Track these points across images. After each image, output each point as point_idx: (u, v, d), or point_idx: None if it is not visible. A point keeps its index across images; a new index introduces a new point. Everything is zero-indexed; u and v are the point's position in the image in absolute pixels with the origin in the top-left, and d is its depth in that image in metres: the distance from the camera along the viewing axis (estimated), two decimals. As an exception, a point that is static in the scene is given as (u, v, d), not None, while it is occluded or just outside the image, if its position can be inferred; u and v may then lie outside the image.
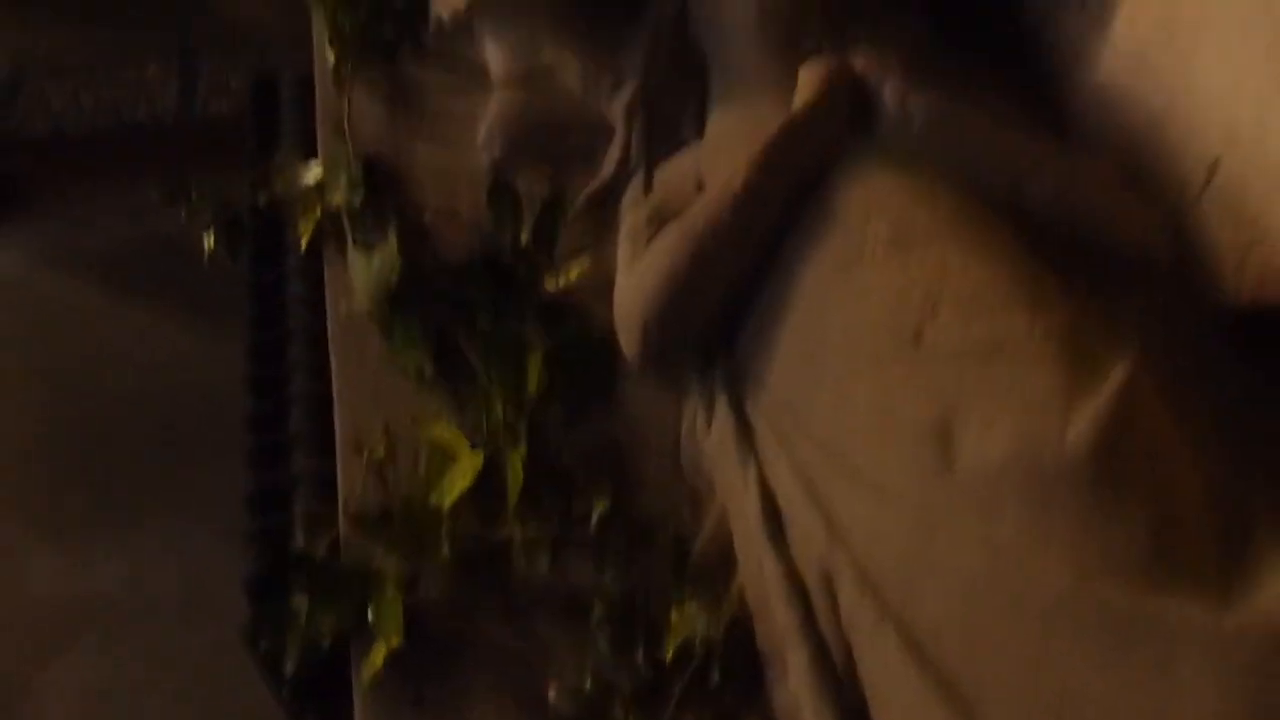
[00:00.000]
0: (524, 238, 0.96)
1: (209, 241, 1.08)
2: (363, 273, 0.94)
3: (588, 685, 0.75)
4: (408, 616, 0.78)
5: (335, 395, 0.91)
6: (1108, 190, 0.85)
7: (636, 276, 0.83)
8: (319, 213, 1.02)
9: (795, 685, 0.71)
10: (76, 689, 1.56)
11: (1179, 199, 1.00)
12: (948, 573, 0.64)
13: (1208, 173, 0.97)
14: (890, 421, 0.70)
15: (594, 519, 0.80)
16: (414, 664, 0.78)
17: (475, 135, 1.11)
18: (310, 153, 1.35)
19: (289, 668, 0.80)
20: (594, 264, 0.95)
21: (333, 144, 1.11)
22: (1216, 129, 0.96)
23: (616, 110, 1.05)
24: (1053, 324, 0.69)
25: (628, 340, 0.83)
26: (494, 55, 1.16)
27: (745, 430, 0.79)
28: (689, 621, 0.75)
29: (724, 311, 0.83)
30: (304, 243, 1.01)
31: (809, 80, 0.86)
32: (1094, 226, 0.83)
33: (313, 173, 1.06)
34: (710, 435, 0.82)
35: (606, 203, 1.03)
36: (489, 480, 0.82)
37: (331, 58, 1.20)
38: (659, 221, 0.86)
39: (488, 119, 1.10)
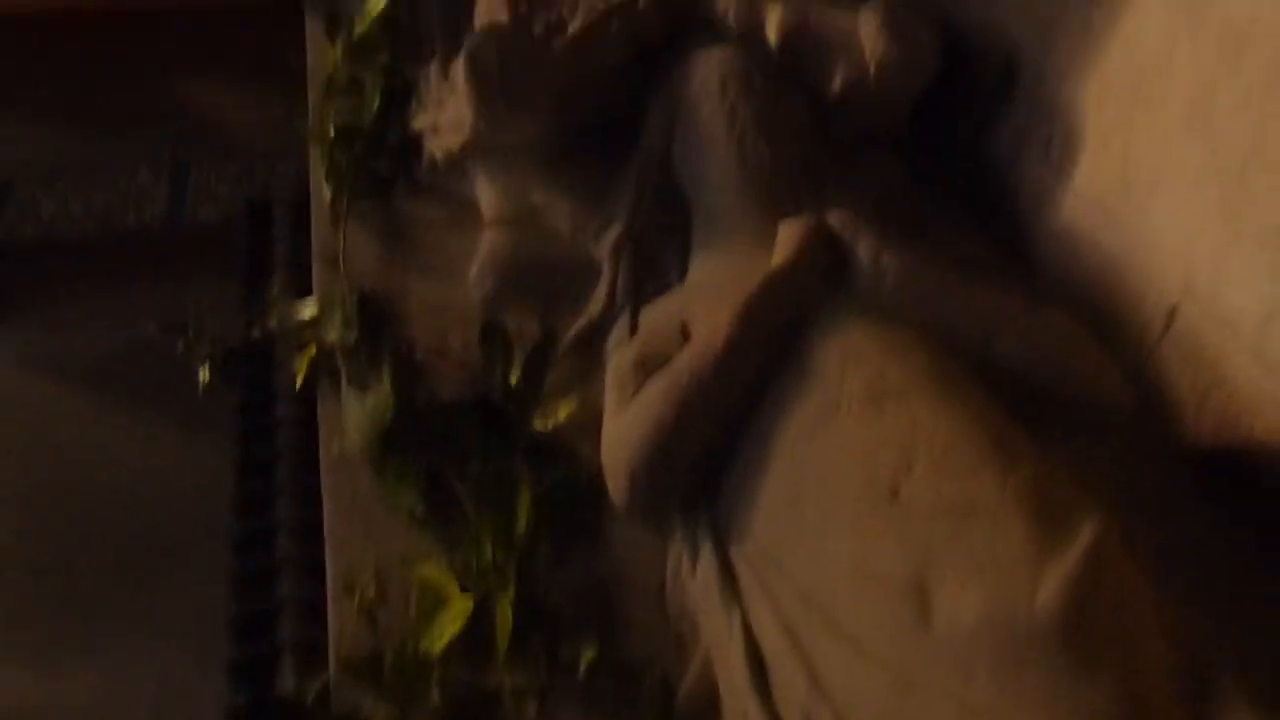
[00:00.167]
0: (514, 378, 0.99)
1: (204, 374, 1.10)
2: (356, 412, 0.97)
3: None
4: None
5: (326, 534, 0.93)
6: (1072, 344, 0.89)
7: (624, 426, 0.86)
8: (314, 350, 1.04)
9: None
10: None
11: (1139, 343, 1.04)
12: (924, 731, 0.66)
13: (1166, 319, 1.02)
14: (868, 576, 0.72)
15: (582, 666, 0.81)
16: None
17: (467, 271, 1.15)
18: (301, 278, 1.39)
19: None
20: (582, 404, 0.98)
21: (328, 279, 1.15)
22: (1174, 278, 1.01)
23: (604, 251, 1.10)
24: (1022, 482, 0.72)
25: (616, 488, 0.86)
26: (486, 195, 1.20)
27: (729, 577, 0.81)
28: (677, 766, 0.76)
29: (708, 459, 0.86)
30: (299, 381, 1.03)
31: (787, 237, 0.90)
32: (1060, 378, 0.87)
33: (308, 309, 1.08)
34: (695, 580, 0.84)
35: (593, 342, 1.07)
36: (479, 623, 0.84)
37: (328, 193, 1.24)
38: (645, 369, 0.89)
39: (479, 257, 1.14)
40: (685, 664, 0.84)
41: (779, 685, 0.76)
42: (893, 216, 1.11)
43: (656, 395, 0.85)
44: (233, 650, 1.17)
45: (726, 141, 1.05)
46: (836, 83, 1.13)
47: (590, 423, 0.96)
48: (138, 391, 1.98)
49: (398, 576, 0.88)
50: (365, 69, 1.33)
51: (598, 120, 1.15)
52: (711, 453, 0.86)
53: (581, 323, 1.07)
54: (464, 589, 0.85)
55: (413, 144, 1.27)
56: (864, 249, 0.88)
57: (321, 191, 1.26)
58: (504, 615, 0.82)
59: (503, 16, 1.17)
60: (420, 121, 1.25)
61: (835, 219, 0.90)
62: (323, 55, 1.36)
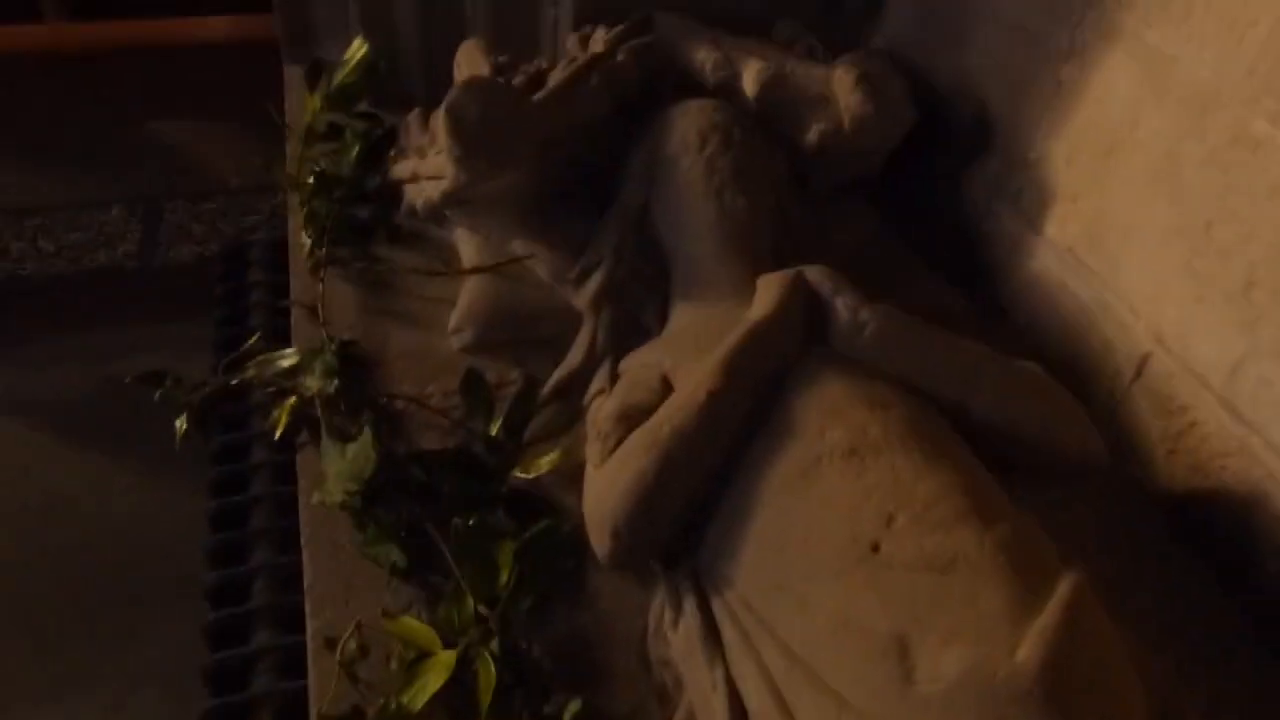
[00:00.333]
0: (495, 429, 1.00)
1: (181, 424, 1.10)
2: (336, 464, 0.96)
3: None
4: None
5: (306, 588, 0.92)
6: (1047, 398, 0.90)
7: (606, 479, 0.86)
8: (295, 400, 1.04)
9: None
10: None
11: (1112, 389, 1.07)
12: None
13: (1138, 366, 1.04)
14: (850, 631, 0.73)
15: (566, 720, 0.81)
16: None
17: (447, 320, 1.15)
18: (277, 320, 1.38)
19: None
20: (564, 454, 0.98)
21: (307, 328, 1.15)
22: (1145, 327, 1.04)
23: (584, 301, 1.11)
24: (1001, 537, 0.73)
25: (598, 542, 0.86)
26: (466, 244, 1.21)
27: (712, 630, 0.82)
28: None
29: (690, 511, 0.87)
30: (279, 432, 1.03)
31: (766, 291, 0.91)
32: (1036, 431, 0.89)
33: (288, 359, 1.08)
34: (678, 633, 0.84)
35: (574, 391, 1.08)
36: (461, 677, 0.83)
37: (306, 241, 1.24)
38: (626, 421, 0.89)
39: (459, 307, 1.15)
40: (669, 716, 0.84)
41: (762, 739, 0.76)
42: (867, 266, 1.13)
43: (638, 448, 0.85)
44: (209, 701, 1.16)
45: (705, 194, 1.07)
46: (813, 135, 1.15)
47: (572, 472, 0.97)
48: (109, 433, 1.95)
49: (379, 630, 0.87)
50: (345, 117, 1.34)
51: (578, 172, 1.16)
52: (693, 505, 0.87)
53: (562, 372, 1.08)
54: (446, 643, 0.85)
55: (392, 191, 1.28)
56: (842, 304, 0.90)
57: (300, 239, 1.26)
58: (486, 670, 0.82)
59: (483, 69, 1.19)
60: (400, 170, 1.26)
61: (814, 274, 0.91)
62: (301, 101, 1.36)
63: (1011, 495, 0.82)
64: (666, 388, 0.94)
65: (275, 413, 1.04)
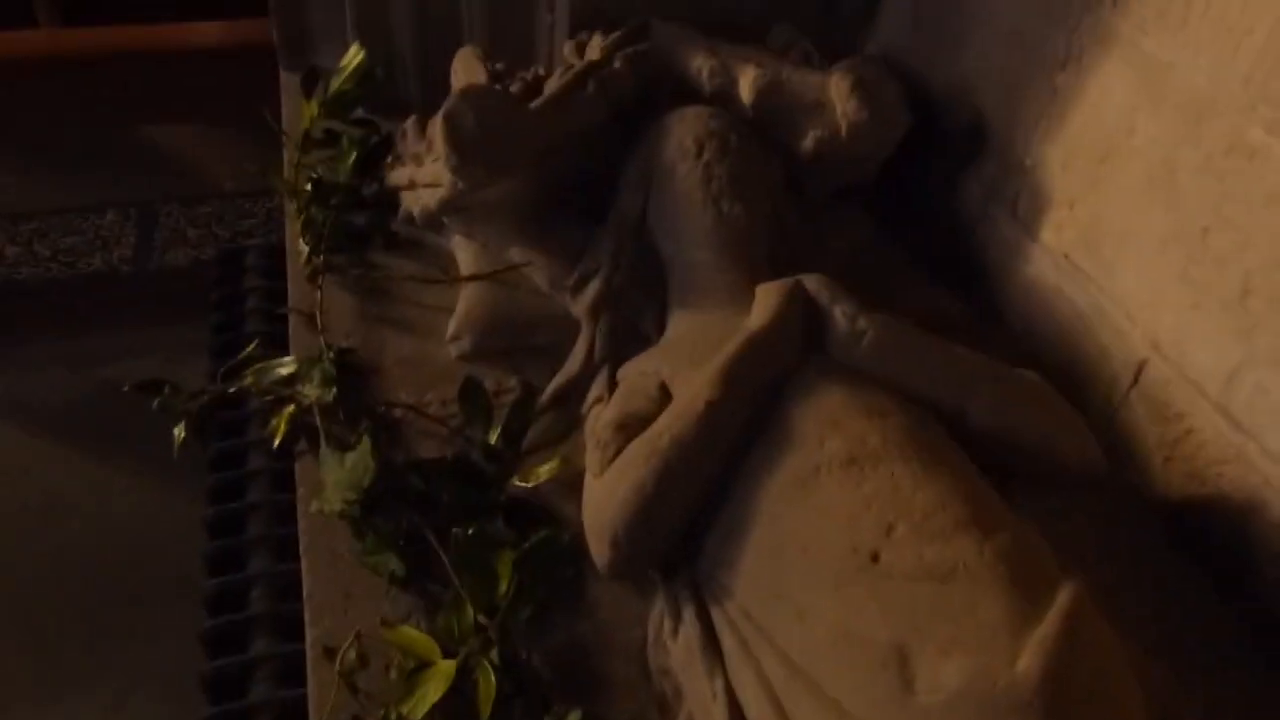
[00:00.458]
0: (494, 438, 1.00)
1: (180, 432, 1.10)
2: (335, 472, 0.96)
3: None
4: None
5: (305, 598, 0.92)
6: (1045, 406, 0.91)
7: (605, 489, 0.86)
8: (293, 408, 1.04)
9: None
10: None
11: (1109, 396, 1.07)
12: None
13: (1135, 373, 1.04)
14: (850, 641, 0.73)
15: (567, 730, 0.81)
16: None
17: (444, 328, 1.15)
18: (273, 324, 1.38)
19: None
20: (563, 463, 0.98)
21: (304, 336, 1.15)
22: (1142, 333, 1.04)
23: (581, 308, 1.11)
24: (1000, 546, 0.74)
25: (598, 551, 0.86)
26: (463, 252, 1.21)
27: (712, 640, 0.82)
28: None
29: (689, 520, 0.87)
30: (277, 441, 1.03)
31: (764, 300, 0.92)
32: (1034, 439, 0.89)
33: (286, 367, 1.08)
34: (677, 642, 0.85)
35: (572, 398, 1.08)
36: (461, 687, 0.83)
37: (304, 248, 1.24)
38: (625, 430, 0.89)
39: (456, 314, 1.15)
40: (668, 726, 0.84)
41: (763, 749, 0.77)
42: (863, 271, 1.13)
43: (637, 458, 0.86)
44: (207, 709, 1.16)
45: (702, 201, 1.07)
46: (809, 142, 1.15)
47: (571, 481, 0.97)
48: (106, 435, 1.96)
49: (378, 640, 0.87)
50: (341, 123, 1.34)
51: (575, 178, 1.16)
52: (692, 514, 0.87)
53: (560, 380, 1.08)
54: (446, 653, 0.85)
55: (389, 198, 1.28)
56: (840, 312, 0.90)
57: (297, 246, 1.26)
58: (486, 680, 0.82)
59: (480, 77, 1.18)
60: (397, 177, 1.26)
61: (812, 283, 0.92)
62: (297, 108, 1.36)
63: (1011, 503, 0.83)
64: (665, 396, 0.94)
65: (274, 421, 1.04)
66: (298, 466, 1.03)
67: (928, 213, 1.33)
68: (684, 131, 1.11)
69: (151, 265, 2.36)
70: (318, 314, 1.16)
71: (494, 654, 0.83)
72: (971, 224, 1.27)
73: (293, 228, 1.27)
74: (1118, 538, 0.99)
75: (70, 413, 2.03)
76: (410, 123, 1.29)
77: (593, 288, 1.11)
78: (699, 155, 1.09)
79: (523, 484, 0.98)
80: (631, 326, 1.10)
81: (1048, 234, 1.15)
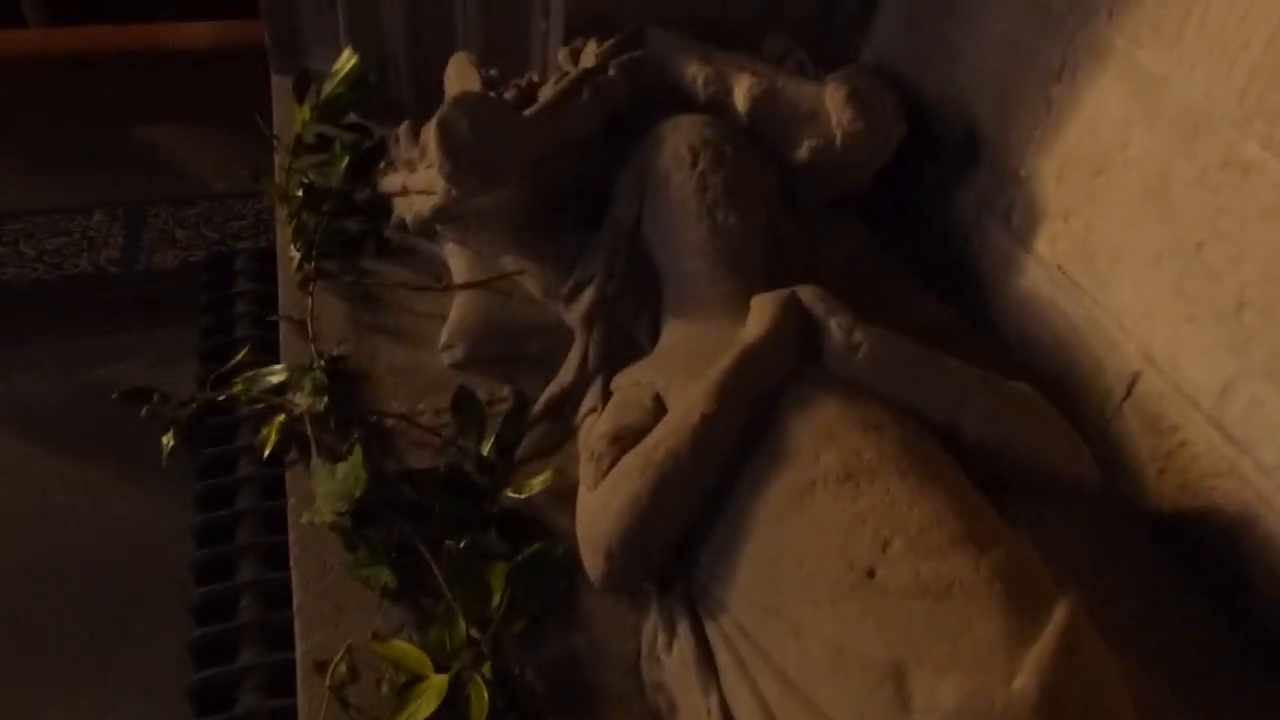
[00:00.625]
0: (487, 448, 0.99)
1: (169, 441, 1.09)
2: (326, 483, 0.95)
3: None
4: None
5: (295, 610, 0.91)
6: (1039, 419, 0.90)
7: (600, 502, 0.86)
8: (284, 418, 1.03)
9: None
10: None
11: (1102, 408, 1.07)
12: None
13: (1128, 385, 1.04)
14: (846, 659, 0.73)
15: (559, 747, 0.80)
16: None
17: (437, 336, 1.14)
18: (263, 329, 1.37)
19: None
20: (556, 474, 0.97)
21: (295, 343, 1.14)
22: (1135, 346, 1.04)
23: (575, 316, 1.10)
24: (995, 562, 0.73)
25: (592, 565, 0.86)
26: (456, 259, 1.20)
27: (706, 655, 0.82)
28: None
29: (685, 534, 0.86)
30: (268, 450, 1.02)
31: (760, 312, 0.91)
32: (1028, 452, 0.89)
33: (276, 375, 1.07)
34: (671, 656, 0.84)
35: (565, 408, 1.07)
36: (453, 701, 0.83)
37: (295, 255, 1.23)
38: (619, 442, 0.89)
39: (449, 323, 1.14)
40: (662, 741, 0.84)
41: (757, 764, 0.76)
42: (858, 280, 1.13)
43: (632, 470, 0.85)
44: (194, 720, 1.15)
45: (697, 211, 1.06)
46: (804, 151, 1.15)
47: (565, 492, 0.96)
48: (95, 439, 1.94)
49: (369, 653, 0.87)
50: (334, 128, 1.33)
51: (569, 186, 1.16)
52: (687, 527, 0.86)
53: (553, 390, 1.08)
54: (438, 667, 0.84)
55: (381, 204, 1.27)
56: (836, 325, 0.90)
57: (289, 252, 1.25)
58: (479, 694, 0.81)
59: (474, 84, 1.18)
60: (390, 183, 1.25)
61: (807, 295, 0.91)
62: (289, 111, 1.35)
63: (1005, 515, 0.82)
64: (659, 407, 0.93)
65: (264, 430, 1.03)
66: (288, 476, 1.03)
67: (921, 221, 1.33)
68: (679, 140, 1.11)
69: (139, 266, 2.35)
70: (309, 321, 1.15)
71: (486, 668, 0.82)
72: (966, 233, 1.26)
73: (284, 233, 1.26)
74: (1111, 550, 0.99)
75: (55, 415, 2.02)
76: (403, 128, 1.28)
77: (587, 296, 1.10)
78: (694, 164, 1.09)
79: (516, 495, 0.97)
80: (626, 335, 1.09)
81: (1042, 246, 1.15)
